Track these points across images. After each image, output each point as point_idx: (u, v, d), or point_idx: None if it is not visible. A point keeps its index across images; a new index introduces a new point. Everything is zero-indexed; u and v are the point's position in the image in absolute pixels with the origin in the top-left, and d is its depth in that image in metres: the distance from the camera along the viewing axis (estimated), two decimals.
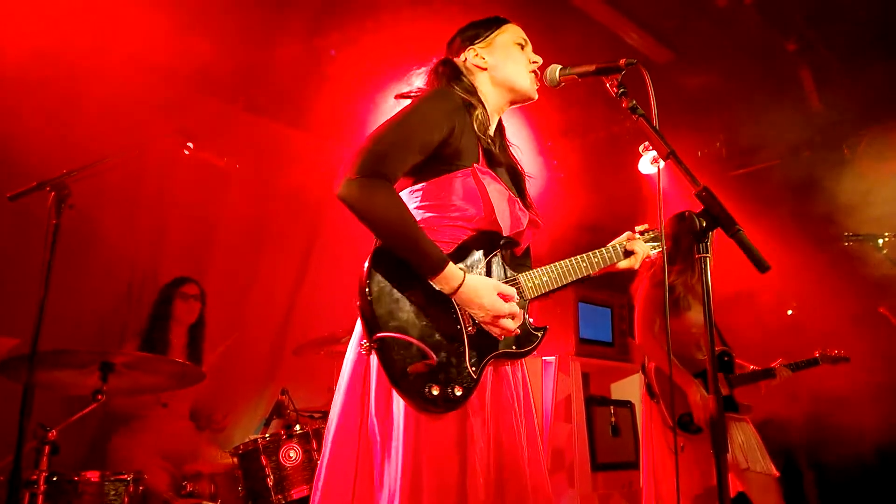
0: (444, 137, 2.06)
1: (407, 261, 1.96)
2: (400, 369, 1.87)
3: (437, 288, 1.97)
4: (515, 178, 2.36)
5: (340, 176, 1.94)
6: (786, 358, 4.26)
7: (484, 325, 2.02)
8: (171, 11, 3.99)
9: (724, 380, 4.15)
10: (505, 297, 2.02)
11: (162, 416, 4.18)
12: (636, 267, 2.45)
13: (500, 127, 2.42)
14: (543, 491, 2.06)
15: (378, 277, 1.95)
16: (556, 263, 2.26)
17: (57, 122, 4.01)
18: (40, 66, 3.91)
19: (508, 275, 2.16)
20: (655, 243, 2.53)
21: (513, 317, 2.03)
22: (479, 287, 1.98)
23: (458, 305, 2.01)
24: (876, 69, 5.12)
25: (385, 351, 1.88)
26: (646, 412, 4.20)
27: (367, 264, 1.95)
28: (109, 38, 4.10)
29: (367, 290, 1.92)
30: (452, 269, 1.96)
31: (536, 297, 2.25)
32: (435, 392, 1.87)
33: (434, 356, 1.89)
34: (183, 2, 4.03)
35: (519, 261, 2.33)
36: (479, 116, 2.18)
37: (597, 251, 2.38)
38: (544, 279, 2.20)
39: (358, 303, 1.94)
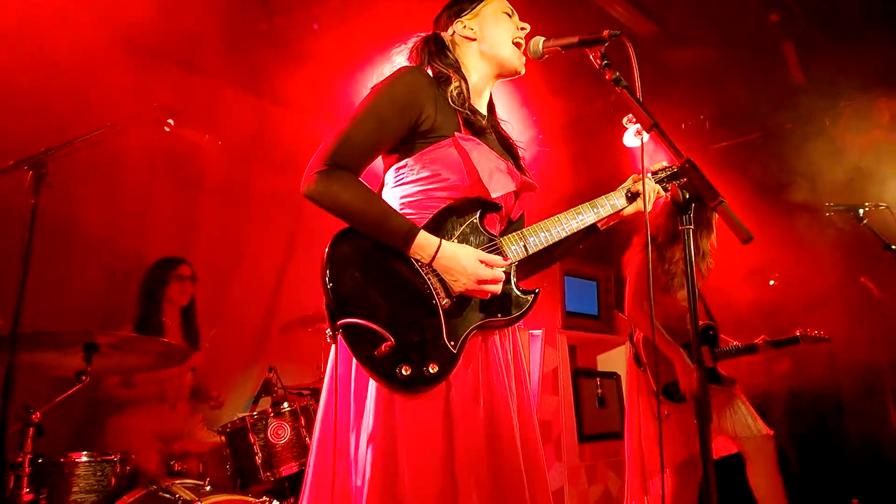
0: (413, 118, 2.06)
1: (379, 240, 1.96)
2: (367, 354, 1.85)
3: (416, 259, 1.97)
4: (508, 148, 2.35)
5: (305, 174, 1.97)
6: (767, 331, 4.30)
7: (467, 293, 1.99)
8: None
9: (709, 353, 4.20)
10: (488, 263, 2.00)
11: (158, 401, 4.18)
12: (646, 209, 2.30)
13: (490, 102, 2.40)
14: (537, 464, 2.04)
15: (338, 262, 1.93)
16: (543, 221, 2.20)
17: (34, 100, 3.94)
18: (17, 42, 3.84)
19: (486, 238, 2.11)
20: (669, 182, 2.42)
21: (496, 282, 2.00)
22: (459, 252, 1.97)
23: (431, 280, 1.98)
24: (858, 42, 5.12)
25: (350, 337, 1.86)
26: (632, 381, 4.26)
27: (326, 250, 1.94)
28: (87, 13, 4.02)
29: (326, 276, 1.90)
30: (424, 238, 1.95)
31: (527, 262, 2.22)
32: (406, 372, 1.84)
33: (391, 338, 1.84)
34: None
35: (515, 227, 2.28)
36: (456, 89, 2.16)
37: (593, 200, 2.31)
38: (530, 239, 2.15)
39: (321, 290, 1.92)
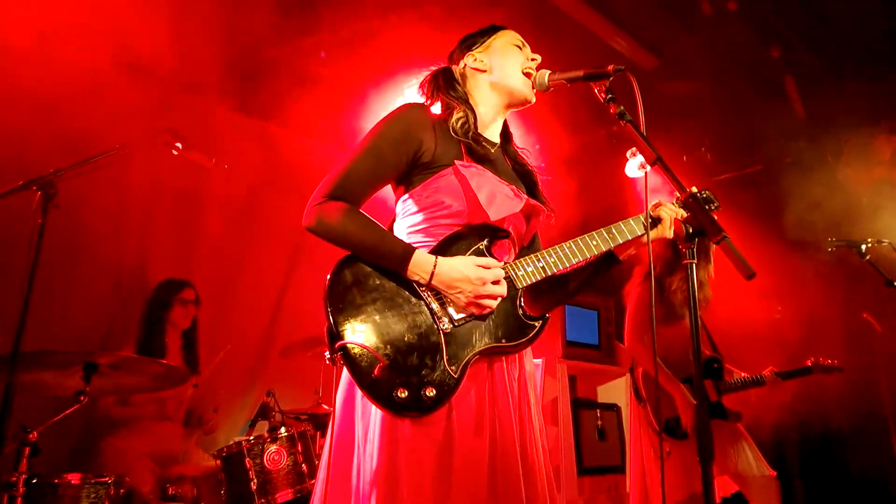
0: (411, 153, 2.12)
1: (378, 264, 2.00)
2: (366, 376, 1.87)
3: (416, 279, 1.99)
4: (522, 174, 2.37)
5: (306, 208, 2.04)
6: (773, 362, 4.28)
7: (472, 304, 1.99)
8: (160, 10, 3.97)
9: (713, 386, 4.16)
10: (485, 267, 2.01)
11: (155, 419, 4.16)
12: (668, 235, 2.29)
13: (505, 130, 2.44)
14: (541, 494, 2.02)
15: (339, 287, 1.97)
16: (556, 246, 2.18)
17: (44, 122, 3.97)
18: (28, 65, 3.88)
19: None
20: (707, 205, 2.39)
21: (497, 282, 2.02)
22: (455, 263, 2.00)
23: (433, 305, 1.99)
24: (859, 77, 5.17)
25: (349, 360, 1.89)
26: (634, 416, 4.22)
27: (328, 276, 1.98)
28: (97, 37, 4.07)
29: (327, 300, 1.94)
30: (420, 256, 1.98)
31: (542, 294, 2.22)
32: (402, 395, 1.85)
33: (383, 359, 1.87)
34: (169, 2, 4.02)
35: (526, 252, 2.27)
36: (459, 119, 2.20)
37: (608, 226, 2.26)
38: (539, 264, 2.13)
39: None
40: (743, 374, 4.25)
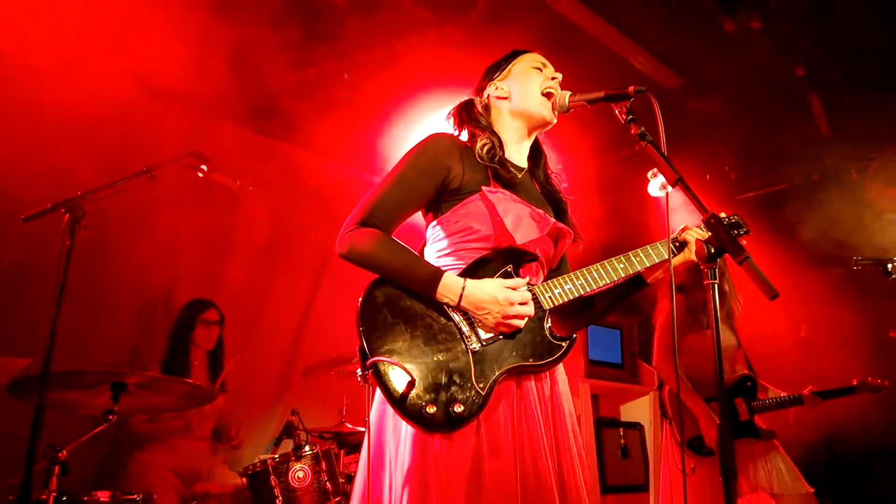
0: (440, 180, 2.19)
1: (407, 287, 2.06)
2: (395, 392, 1.92)
3: (445, 301, 2.04)
4: (551, 197, 2.41)
5: (339, 236, 2.11)
6: (792, 383, 4.24)
7: (501, 324, 2.03)
8: (185, 35, 4.04)
9: (745, 404, 4.12)
10: (512, 288, 2.06)
11: (180, 434, 4.21)
12: (694, 258, 2.28)
13: (536, 153, 2.46)
14: None
15: (370, 308, 2.03)
16: (583, 269, 2.21)
17: (72, 144, 4.05)
18: (54, 87, 3.97)
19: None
20: (735, 230, 2.41)
21: (525, 303, 2.05)
22: (483, 285, 2.04)
23: (462, 325, 2.04)
24: (884, 94, 5.13)
25: (380, 377, 1.94)
26: (662, 434, 4.22)
27: (361, 297, 2.04)
28: (123, 61, 4.15)
29: (359, 320, 2.00)
30: (449, 279, 2.04)
31: (570, 315, 2.27)
32: (431, 411, 1.90)
33: (412, 375, 1.91)
34: (198, 26, 4.09)
35: (554, 274, 2.30)
36: (485, 146, 2.25)
37: (636, 250, 2.28)
38: (566, 287, 2.17)
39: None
40: (780, 393, 4.21)
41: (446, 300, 2.04)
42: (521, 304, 2.04)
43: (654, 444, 5.66)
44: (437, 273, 2.05)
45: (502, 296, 2.02)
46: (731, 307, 4.24)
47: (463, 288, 2.03)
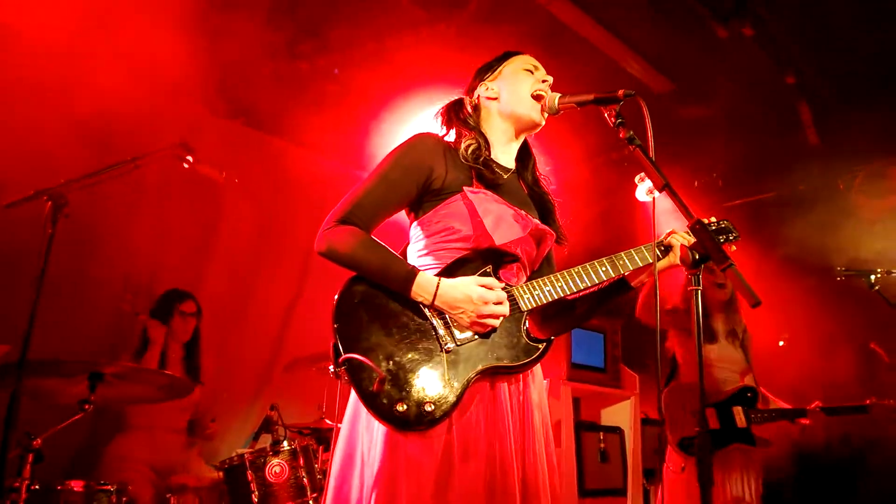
0: (422, 180, 2.18)
1: (384, 285, 2.06)
2: (366, 389, 1.92)
3: (420, 300, 2.03)
4: (538, 199, 2.40)
5: (318, 234, 2.11)
6: (775, 391, 4.30)
7: (476, 323, 2.03)
8: (174, 26, 4.01)
9: (742, 413, 4.22)
10: (487, 287, 2.05)
11: (155, 426, 4.18)
12: (678, 262, 2.28)
13: (524, 154, 2.46)
14: None
15: (346, 305, 2.04)
16: (564, 271, 2.20)
17: (55, 132, 4.01)
18: (39, 75, 3.92)
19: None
20: (724, 235, 2.42)
21: (500, 302, 2.05)
22: (457, 284, 2.04)
23: (437, 324, 2.03)
24: (873, 105, 5.16)
25: (352, 373, 1.94)
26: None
27: (337, 294, 2.05)
28: (111, 50, 4.12)
29: (335, 316, 2.01)
30: (423, 278, 2.04)
31: (550, 319, 2.27)
32: (401, 409, 1.89)
33: (381, 372, 1.91)
34: (187, 17, 4.06)
35: (536, 276, 2.28)
36: (469, 146, 2.24)
37: (619, 253, 2.26)
38: (546, 289, 2.16)
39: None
40: (780, 405, 4.34)
41: (420, 299, 2.04)
42: (495, 303, 2.04)
43: (633, 449, 5.66)
44: (412, 272, 2.04)
45: (476, 294, 2.02)
46: (737, 326, 4.43)
47: (437, 287, 2.03)
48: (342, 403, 2.13)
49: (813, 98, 5.47)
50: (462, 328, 2.05)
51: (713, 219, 2.48)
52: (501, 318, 2.06)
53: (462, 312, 2.03)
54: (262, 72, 4.83)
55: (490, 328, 2.05)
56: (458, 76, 2.52)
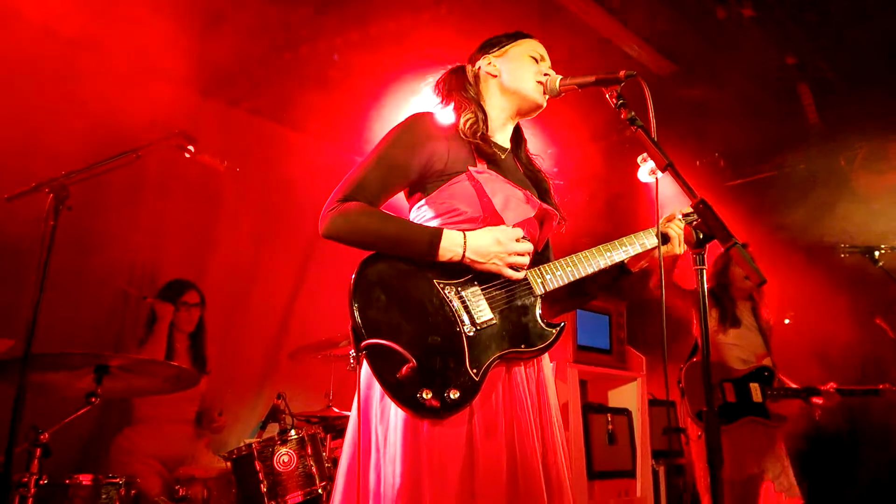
0: (423, 160, 2.13)
1: (405, 254, 2.01)
2: (390, 377, 1.85)
3: (449, 257, 2.01)
4: (534, 179, 2.39)
5: (320, 217, 2.05)
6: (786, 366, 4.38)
7: (509, 266, 2.05)
8: (173, 13, 3.99)
9: (759, 389, 4.38)
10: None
11: (162, 418, 4.18)
12: (678, 251, 2.33)
13: (517, 136, 2.45)
14: (561, 497, 2.02)
15: (364, 287, 1.95)
16: (571, 255, 2.21)
17: (56, 123, 3.99)
18: (39, 65, 3.90)
19: None
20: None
21: (525, 246, 2.08)
22: (482, 233, 2.04)
23: (456, 307, 2.00)
24: (874, 84, 5.14)
25: (373, 359, 1.87)
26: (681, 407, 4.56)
27: (353, 275, 1.97)
28: (111, 39, 4.09)
29: (352, 301, 1.92)
30: (450, 235, 2.02)
31: (558, 299, 2.26)
32: (427, 395, 1.84)
33: (412, 359, 1.83)
34: (186, 4, 4.03)
35: (539, 257, 2.29)
36: (470, 119, 2.21)
37: (622, 238, 2.29)
38: (558, 273, 2.17)
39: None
40: (793, 386, 4.45)
41: (450, 255, 2.01)
42: (519, 240, 2.06)
43: (641, 430, 5.67)
44: (437, 231, 2.01)
45: (503, 236, 2.03)
46: (761, 316, 4.60)
47: (465, 240, 2.02)
48: (359, 389, 2.04)
49: (813, 77, 5.44)
50: (482, 309, 2.03)
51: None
52: (526, 257, 2.08)
53: (494, 257, 2.03)
54: (262, 58, 4.80)
55: (521, 266, 2.07)
56: (460, 59, 2.48)
